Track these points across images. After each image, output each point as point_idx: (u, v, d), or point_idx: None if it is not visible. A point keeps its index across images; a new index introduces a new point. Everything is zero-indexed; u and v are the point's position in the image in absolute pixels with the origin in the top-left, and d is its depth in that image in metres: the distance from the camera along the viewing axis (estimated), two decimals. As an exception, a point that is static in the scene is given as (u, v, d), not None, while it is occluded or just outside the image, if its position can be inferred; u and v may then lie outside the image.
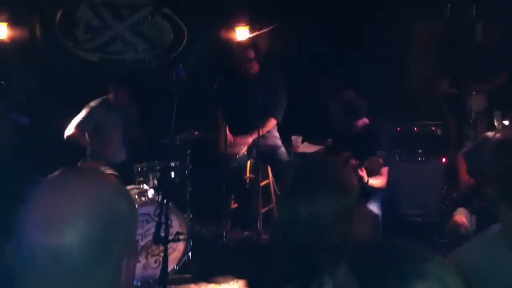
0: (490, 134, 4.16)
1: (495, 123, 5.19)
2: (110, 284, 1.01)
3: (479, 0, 6.17)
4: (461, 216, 3.86)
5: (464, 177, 4.20)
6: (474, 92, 5.69)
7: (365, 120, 4.36)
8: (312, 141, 5.10)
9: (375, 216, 4.11)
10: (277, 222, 1.74)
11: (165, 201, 3.95)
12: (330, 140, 4.52)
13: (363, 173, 3.95)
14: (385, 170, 4.19)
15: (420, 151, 5.49)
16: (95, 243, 0.98)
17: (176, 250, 4.29)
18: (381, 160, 3.97)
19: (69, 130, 4.83)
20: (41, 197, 1.01)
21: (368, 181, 3.99)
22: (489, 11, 5.87)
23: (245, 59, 4.98)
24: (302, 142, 5.22)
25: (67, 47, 6.19)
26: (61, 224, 0.97)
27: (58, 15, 6.16)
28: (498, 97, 5.51)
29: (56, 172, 1.07)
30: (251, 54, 5.01)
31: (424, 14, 6.19)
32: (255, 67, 5.00)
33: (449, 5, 6.27)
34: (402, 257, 0.94)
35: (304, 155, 5.03)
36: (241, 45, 5.54)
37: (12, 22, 6.10)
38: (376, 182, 4.11)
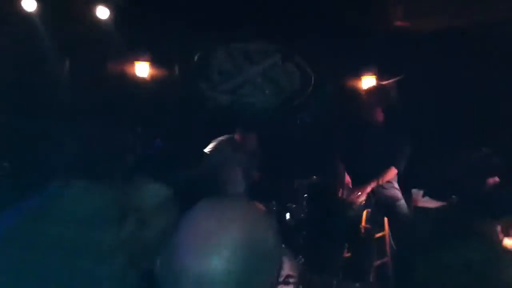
0: None
1: None
2: None
3: None
4: None
5: None
6: None
7: (496, 179, 4.12)
8: (434, 196, 4.92)
9: None
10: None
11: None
12: (454, 197, 4.31)
13: (499, 233, 3.66)
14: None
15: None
16: (238, 273, 0.97)
17: (285, 293, 4.27)
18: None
19: None
20: (193, 222, 1.03)
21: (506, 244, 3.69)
22: None
23: (370, 106, 4.97)
24: (423, 196, 5.04)
25: (202, 88, 6.59)
26: (208, 250, 0.98)
27: (196, 58, 6.60)
28: None
29: (211, 200, 1.08)
30: (376, 101, 4.99)
31: None
32: (380, 116, 4.96)
33: None
34: None
35: (425, 210, 4.85)
36: (367, 93, 5.54)
37: (154, 62, 6.64)
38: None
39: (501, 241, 3.70)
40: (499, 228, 3.69)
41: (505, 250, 3.79)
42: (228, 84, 6.60)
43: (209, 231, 1.00)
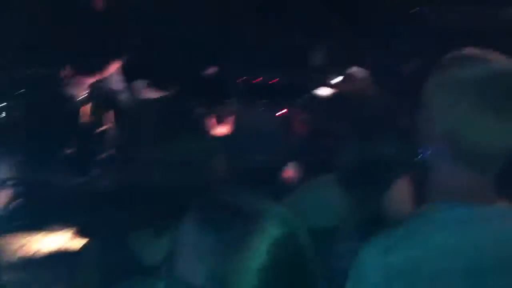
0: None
1: None
2: None
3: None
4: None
5: (298, 129, 4.39)
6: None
7: (214, 68, 4.37)
8: (157, 86, 5.00)
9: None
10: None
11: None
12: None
13: (212, 120, 3.98)
14: (231, 118, 4.26)
15: (263, 101, 5.60)
16: None
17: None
18: (230, 108, 4.05)
19: None
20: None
21: (216, 128, 4.03)
22: None
23: None
24: (147, 87, 5.08)
25: None
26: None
27: None
28: None
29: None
30: None
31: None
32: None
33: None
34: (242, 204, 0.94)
35: (148, 101, 4.92)
36: None
37: None
38: (222, 130, 4.16)
39: (212, 129, 4.03)
40: (213, 115, 4.00)
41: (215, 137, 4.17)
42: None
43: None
